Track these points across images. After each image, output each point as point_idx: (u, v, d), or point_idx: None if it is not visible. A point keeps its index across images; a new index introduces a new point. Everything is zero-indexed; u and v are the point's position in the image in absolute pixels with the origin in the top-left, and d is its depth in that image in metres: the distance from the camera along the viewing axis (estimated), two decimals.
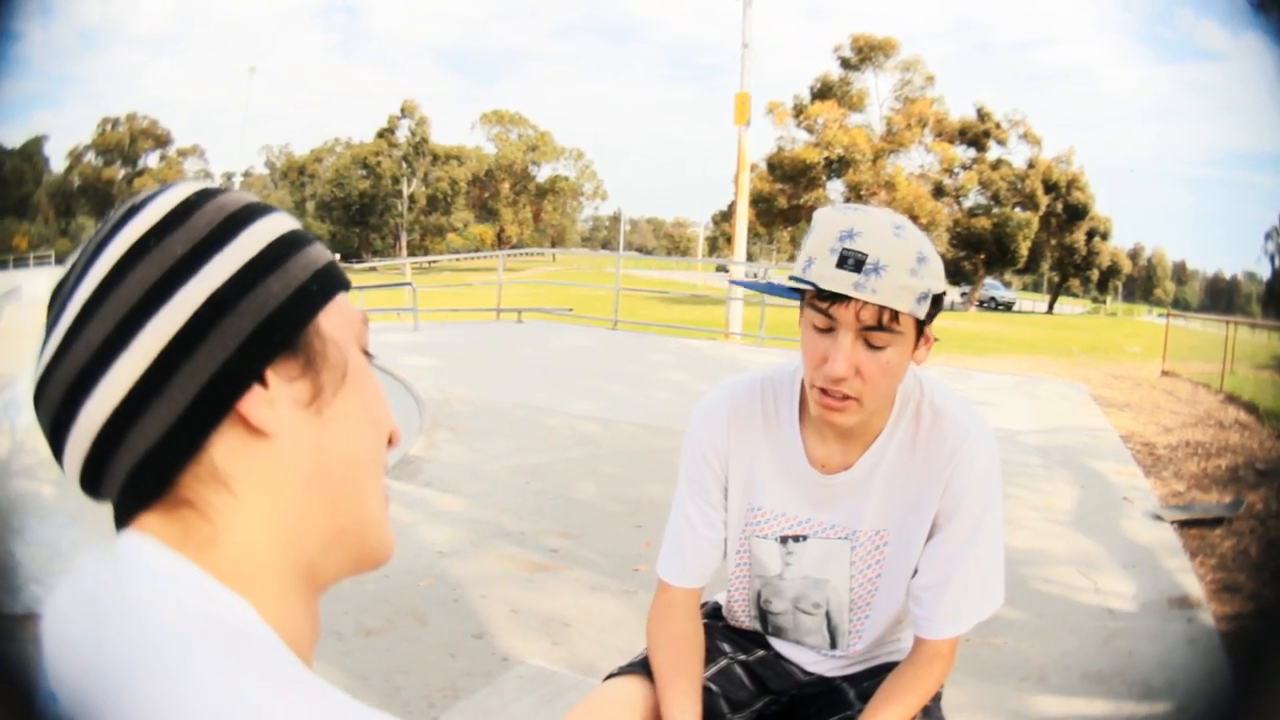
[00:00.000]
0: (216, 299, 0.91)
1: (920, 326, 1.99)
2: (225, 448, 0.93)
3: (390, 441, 1.09)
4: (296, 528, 0.97)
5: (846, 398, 1.99)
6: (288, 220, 1.02)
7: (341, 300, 1.03)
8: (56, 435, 0.94)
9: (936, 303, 1.97)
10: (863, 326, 1.92)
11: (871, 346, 1.94)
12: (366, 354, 1.08)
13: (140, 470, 0.91)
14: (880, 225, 1.91)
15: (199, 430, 0.91)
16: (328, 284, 1.01)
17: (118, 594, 0.87)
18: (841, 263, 1.88)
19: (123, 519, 0.95)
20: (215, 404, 0.91)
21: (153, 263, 0.92)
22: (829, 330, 1.96)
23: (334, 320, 1.01)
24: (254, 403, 0.93)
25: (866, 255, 1.87)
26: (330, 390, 0.99)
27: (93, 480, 0.94)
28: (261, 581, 0.94)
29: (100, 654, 0.83)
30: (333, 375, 0.99)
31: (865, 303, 1.89)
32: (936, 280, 1.95)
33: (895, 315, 1.91)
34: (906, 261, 1.88)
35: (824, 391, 2.00)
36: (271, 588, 0.95)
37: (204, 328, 0.91)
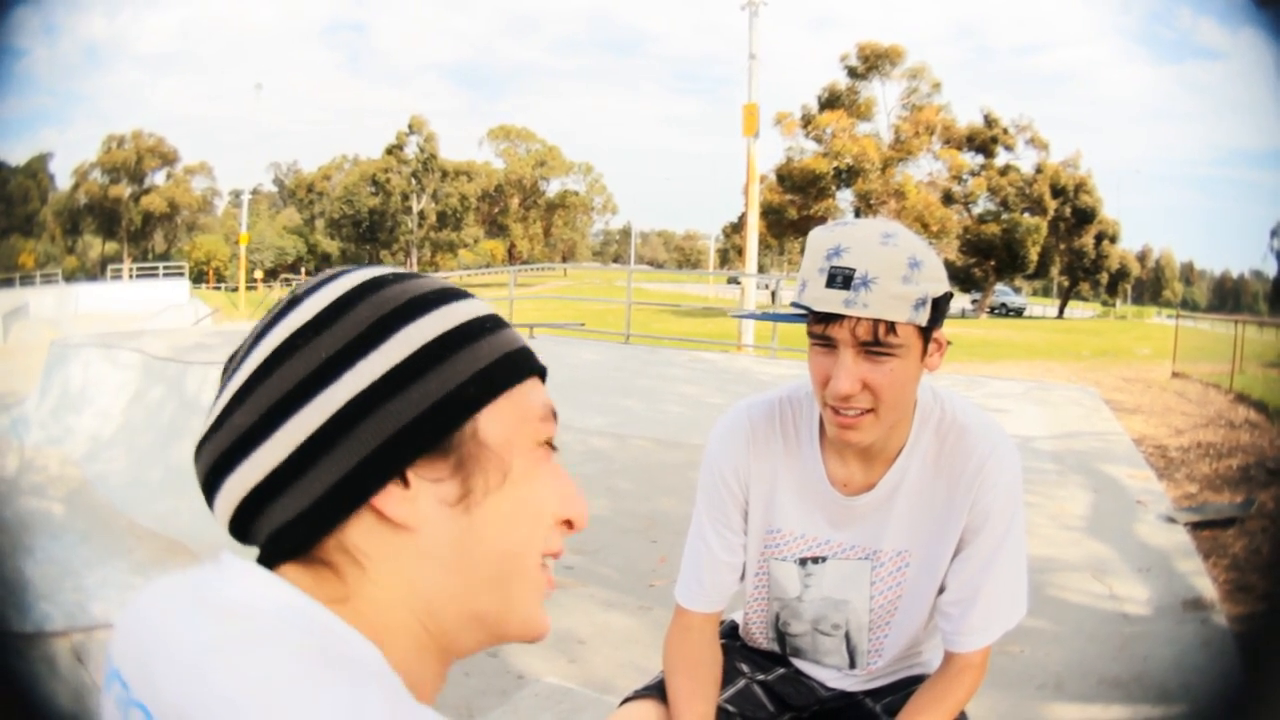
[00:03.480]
0: (357, 403, 0.96)
1: (926, 332, 1.96)
2: (361, 530, 0.98)
3: (572, 526, 1.14)
4: (430, 604, 1.01)
5: (861, 414, 1.96)
6: (463, 309, 1.05)
7: (521, 393, 1.07)
8: (209, 492, 1.02)
9: (939, 306, 1.95)
10: (861, 342, 1.91)
11: (875, 359, 1.92)
12: (550, 445, 1.12)
13: (279, 538, 0.99)
14: (867, 237, 1.90)
15: (332, 517, 0.97)
16: (494, 382, 1.04)
17: (242, 619, 0.90)
18: (830, 281, 1.88)
19: (269, 560, 1.01)
20: (349, 497, 0.97)
21: (300, 361, 0.98)
22: (831, 349, 1.95)
23: (503, 417, 1.04)
24: (392, 500, 0.97)
25: (854, 270, 1.86)
26: (481, 492, 1.01)
27: (240, 533, 1.03)
28: (389, 638, 0.98)
29: (215, 675, 0.85)
30: (486, 478, 1.02)
31: (859, 319, 1.88)
32: (935, 283, 1.92)
33: (892, 327, 1.89)
34: (897, 270, 1.87)
35: (836, 411, 1.98)
36: (399, 646, 0.99)
37: (343, 427, 0.96)
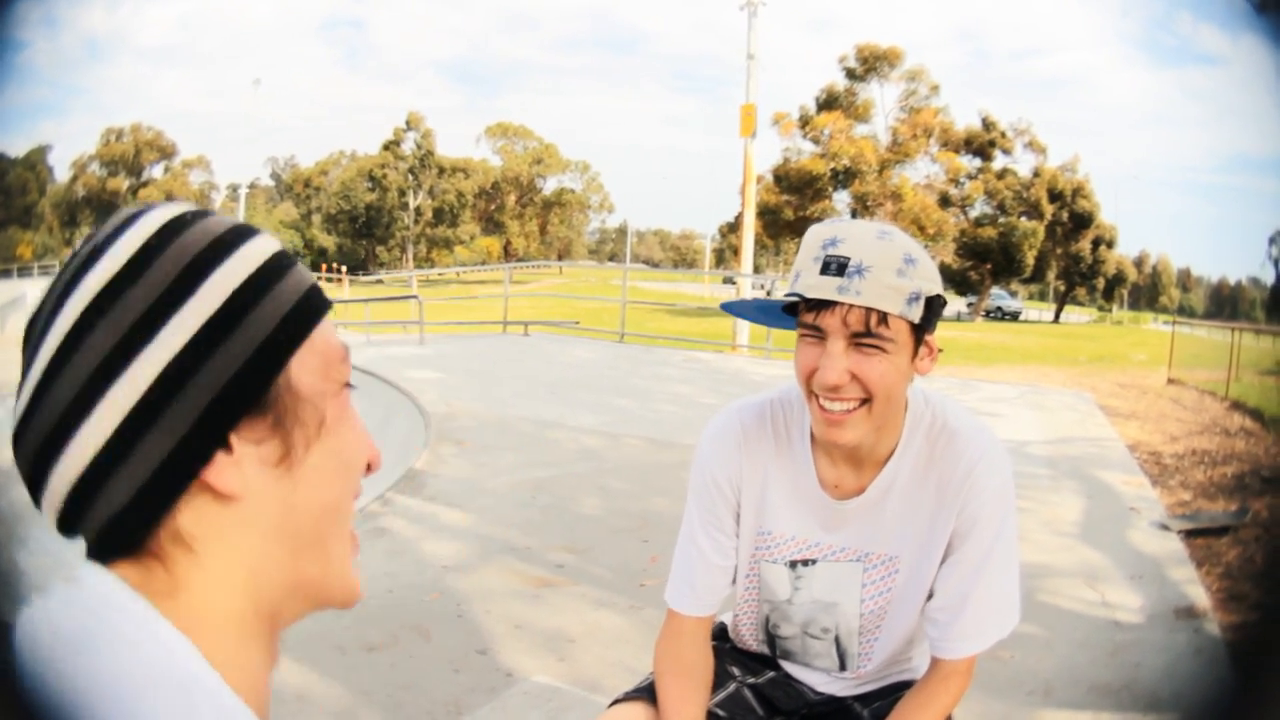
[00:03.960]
0: (173, 368, 0.88)
1: (917, 332, 1.95)
2: (191, 511, 0.91)
3: (369, 468, 1.07)
4: (257, 578, 0.95)
5: (849, 411, 1.94)
6: (259, 249, 0.97)
7: (320, 335, 0.99)
8: (34, 488, 0.92)
9: (933, 308, 1.94)
10: (852, 332, 1.89)
11: (864, 351, 1.90)
12: (348, 384, 1.04)
13: (107, 530, 0.90)
14: (863, 230, 1.90)
15: (163, 500, 0.90)
16: (300, 324, 0.97)
17: (85, 629, 0.86)
18: (825, 269, 1.87)
19: (96, 559, 0.93)
20: (178, 475, 0.90)
21: (110, 326, 0.88)
22: (820, 340, 1.93)
23: (309, 364, 0.97)
24: (219, 469, 0.91)
25: (849, 259, 1.85)
26: (302, 448, 0.96)
27: (67, 529, 0.93)
28: (217, 629, 0.92)
29: (68, 681, 0.82)
30: (305, 431, 0.96)
31: (851, 306, 1.87)
32: (929, 282, 1.91)
33: (884, 318, 1.88)
34: (892, 262, 1.86)
35: (823, 407, 1.95)
36: (228, 634, 0.93)
37: (162, 397, 0.88)
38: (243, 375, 0.91)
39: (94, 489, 0.89)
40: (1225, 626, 5.77)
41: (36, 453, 0.90)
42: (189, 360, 0.88)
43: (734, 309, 2.39)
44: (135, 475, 0.88)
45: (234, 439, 0.91)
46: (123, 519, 0.89)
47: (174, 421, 0.88)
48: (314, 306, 0.99)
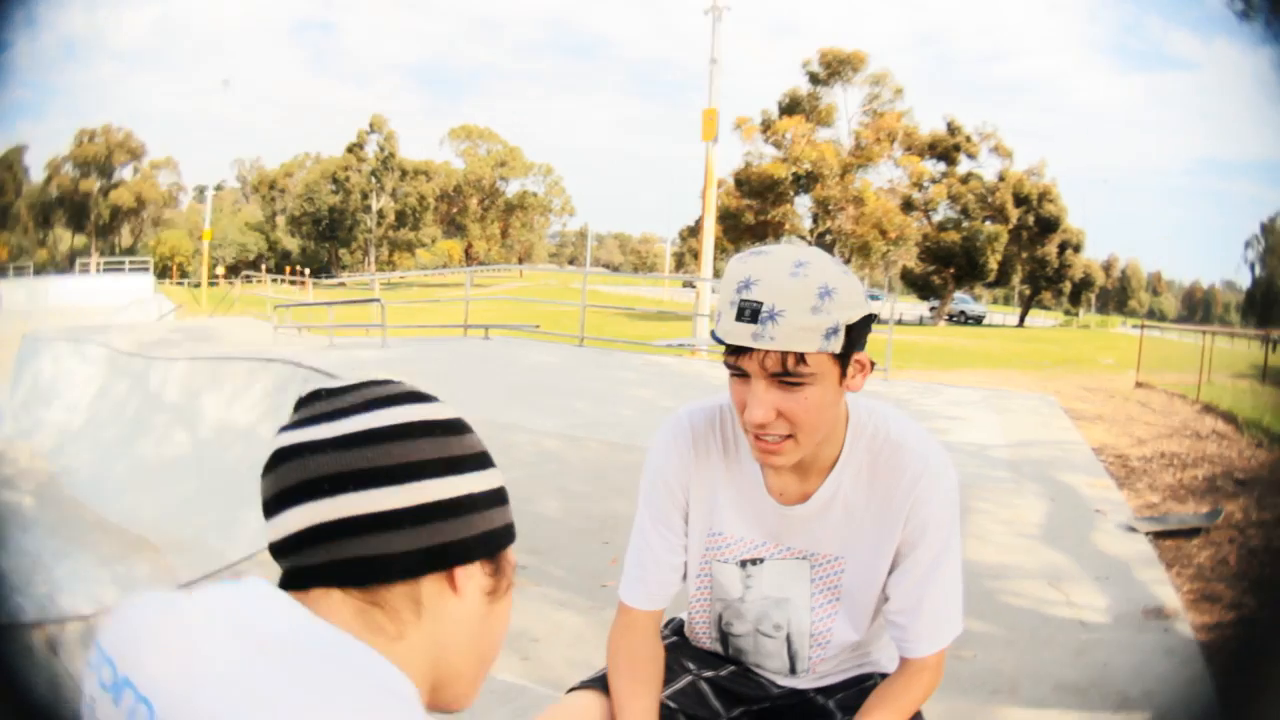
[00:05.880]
0: (472, 496, 1.29)
1: (843, 359, 2.00)
2: (430, 587, 1.26)
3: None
4: (447, 657, 1.31)
5: (780, 440, 2.03)
6: (500, 475, 1.38)
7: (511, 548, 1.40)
8: (282, 499, 1.24)
9: (855, 331, 1.98)
10: (771, 373, 1.96)
11: (788, 388, 1.97)
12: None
13: (368, 565, 1.22)
14: (778, 268, 1.94)
15: (428, 565, 1.25)
16: (512, 534, 1.38)
17: (307, 654, 1.14)
18: (740, 315, 1.93)
19: (316, 580, 1.23)
20: (447, 557, 1.26)
21: (433, 443, 1.28)
22: (746, 379, 2.01)
23: (509, 556, 1.39)
24: (463, 573, 1.28)
25: (762, 304, 1.91)
26: (499, 594, 1.35)
27: (292, 544, 1.24)
28: (415, 679, 1.23)
29: (265, 698, 1.07)
30: (504, 586, 1.36)
31: (767, 351, 1.93)
32: (848, 310, 1.95)
33: (802, 357, 1.93)
34: (806, 301, 1.90)
35: (757, 437, 2.04)
36: (419, 686, 1.24)
37: (459, 508, 1.27)
38: (500, 532, 1.34)
39: (355, 532, 1.21)
40: (1199, 627, 5.78)
41: (324, 477, 1.22)
42: (482, 500, 1.31)
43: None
44: (417, 539, 1.23)
45: (476, 564, 1.31)
46: (388, 561, 1.22)
47: (463, 525, 1.27)
48: (513, 526, 1.40)
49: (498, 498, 1.35)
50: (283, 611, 1.18)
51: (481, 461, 1.34)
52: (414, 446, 1.25)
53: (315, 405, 1.30)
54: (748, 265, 1.96)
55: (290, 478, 1.23)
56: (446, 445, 1.29)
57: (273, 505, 1.24)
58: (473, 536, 1.28)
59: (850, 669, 2.49)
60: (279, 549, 1.25)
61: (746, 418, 2.00)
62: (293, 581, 1.24)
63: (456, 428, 1.33)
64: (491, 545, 1.32)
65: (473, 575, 1.30)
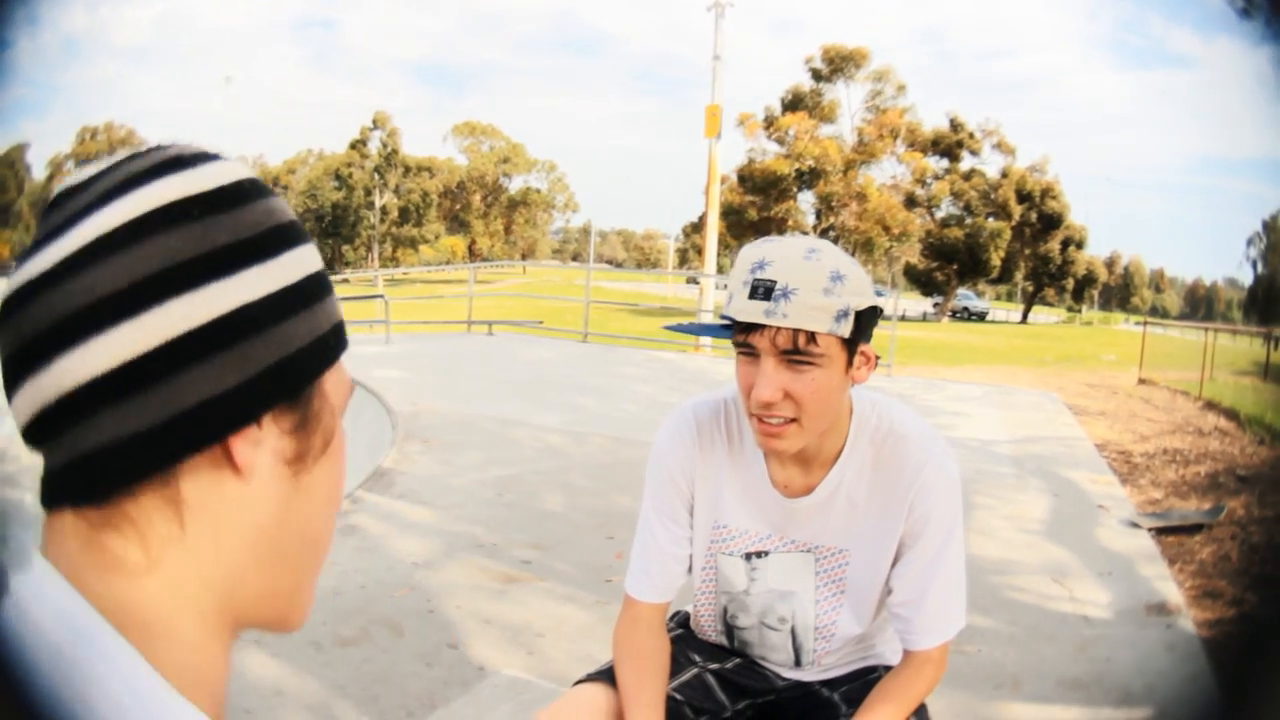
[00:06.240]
0: (247, 312, 0.79)
1: (850, 345, 2.01)
2: (194, 477, 0.79)
3: None
4: (232, 578, 0.84)
5: (784, 423, 2.02)
6: (316, 254, 0.89)
7: (341, 362, 0.91)
8: (19, 371, 0.77)
9: (864, 320, 2.00)
10: (781, 351, 1.96)
11: (796, 369, 1.98)
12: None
13: (97, 462, 0.76)
14: (791, 251, 1.97)
15: (181, 446, 0.77)
16: (340, 340, 0.90)
17: (38, 627, 0.74)
18: (753, 293, 1.94)
19: (53, 498, 0.79)
20: (208, 425, 0.78)
21: (190, 235, 0.78)
22: (754, 358, 2.01)
23: (333, 379, 0.89)
24: (242, 438, 0.80)
25: (775, 282, 1.93)
26: (312, 458, 0.87)
27: (38, 436, 0.78)
28: (178, 623, 0.80)
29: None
30: (319, 441, 0.88)
31: (779, 328, 1.94)
32: (858, 296, 1.97)
33: (813, 336, 1.94)
34: (818, 282, 1.93)
35: (760, 420, 2.03)
36: (186, 631, 0.80)
37: (224, 338, 0.78)
38: (299, 357, 0.83)
39: (100, 402, 0.75)
40: (1201, 623, 5.78)
41: (50, 327, 0.75)
42: (260, 316, 0.80)
43: (680, 329, 2.42)
44: (159, 406, 0.76)
45: (267, 418, 0.82)
46: (121, 451, 0.76)
47: (226, 369, 0.78)
48: (345, 332, 0.92)
49: (298, 297, 0.84)
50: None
51: (267, 245, 0.83)
52: (151, 250, 0.76)
53: (49, 216, 0.82)
54: (761, 249, 1.99)
55: (8, 333, 0.78)
56: (208, 233, 0.79)
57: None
58: (253, 377, 0.79)
59: (855, 661, 2.49)
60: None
61: (754, 397, 2.00)
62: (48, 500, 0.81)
63: (230, 199, 0.82)
64: (287, 381, 0.82)
65: (261, 439, 0.81)
